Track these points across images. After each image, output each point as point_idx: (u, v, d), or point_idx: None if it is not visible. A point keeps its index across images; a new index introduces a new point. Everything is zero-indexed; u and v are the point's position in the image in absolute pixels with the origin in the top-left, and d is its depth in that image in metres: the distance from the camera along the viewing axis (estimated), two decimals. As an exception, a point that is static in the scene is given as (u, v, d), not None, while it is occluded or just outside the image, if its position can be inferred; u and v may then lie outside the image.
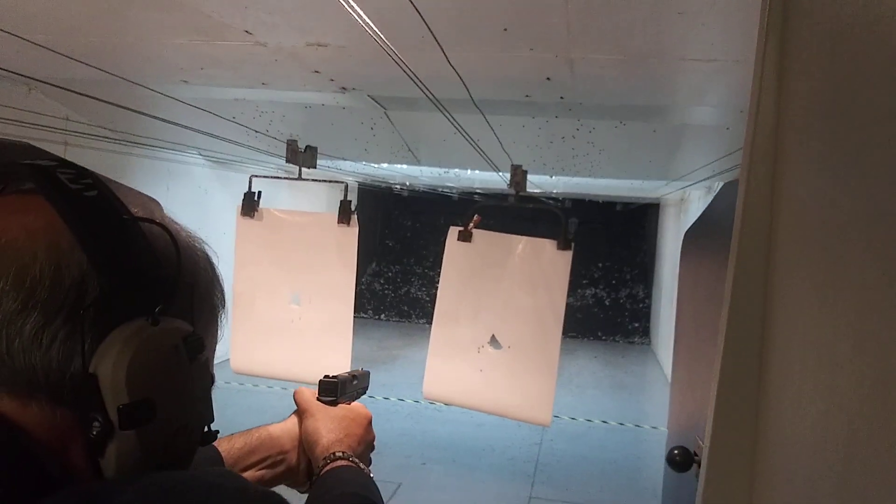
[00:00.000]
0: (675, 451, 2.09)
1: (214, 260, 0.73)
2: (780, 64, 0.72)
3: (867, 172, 0.59)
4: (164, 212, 0.72)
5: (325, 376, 1.23)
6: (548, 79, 3.34)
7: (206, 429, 0.68)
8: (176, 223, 0.70)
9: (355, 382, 1.28)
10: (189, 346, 0.63)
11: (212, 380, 0.69)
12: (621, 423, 7.50)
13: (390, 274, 14.26)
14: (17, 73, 3.32)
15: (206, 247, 0.73)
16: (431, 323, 3.88)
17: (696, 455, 2.10)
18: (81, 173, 0.61)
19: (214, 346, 0.73)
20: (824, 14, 0.68)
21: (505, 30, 2.60)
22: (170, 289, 0.62)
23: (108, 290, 0.58)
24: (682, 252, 3.34)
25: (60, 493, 0.54)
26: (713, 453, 0.77)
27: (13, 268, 0.57)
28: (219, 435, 0.70)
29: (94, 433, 0.57)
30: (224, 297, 0.74)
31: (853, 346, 0.59)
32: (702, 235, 2.89)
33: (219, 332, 0.74)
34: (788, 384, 0.70)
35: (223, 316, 0.74)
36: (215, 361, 0.74)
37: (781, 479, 0.73)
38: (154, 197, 0.73)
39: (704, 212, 3.20)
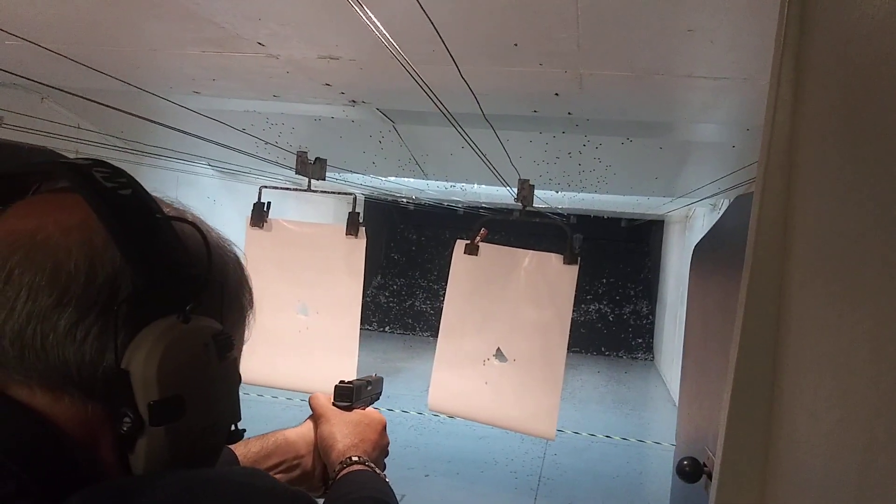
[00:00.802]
0: (685, 462, 2.09)
1: (244, 262, 0.75)
2: (795, 76, 0.73)
3: (883, 184, 0.61)
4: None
5: (341, 382, 1.24)
6: (556, 94, 3.36)
7: (232, 427, 0.68)
8: (207, 224, 0.71)
9: (369, 388, 1.29)
10: (219, 345, 0.64)
11: (239, 379, 0.69)
12: (624, 438, 7.48)
13: (395, 287, 14.27)
14: (32, 80, 3.36)
15: (235, 248, 0.75)
16: (435, 336, 3.89)
17: (705, 466, 2.11)
18: (116, 172, 0.63)
19: (242, 345, 0.75)
20: (840, 27, 0.70)
21: (515, 45, 2.62)
22: (200, 287, 0.63)
23: (140, 287, 0.59)
24: (691, 266, 3.35)
25: (91, 487, 0.54)
26: (725, 464, 0.78)
27: (48, 264, 0.58)
28: (245, 434, 0.71)
29: (125, 429, 0.58)
30: (252, 298, 0.76)
31: (870, 354, 0.60)
32: (712, 249, 2.91)
33: (247, 332, 0.76)
34: (802, 394, 0.71)
35: (252, 317, 0.76)
36: None
37: (795, 489, 0.73)
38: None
39: (714, 226, 3.22)
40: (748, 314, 0.76)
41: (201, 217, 0.72)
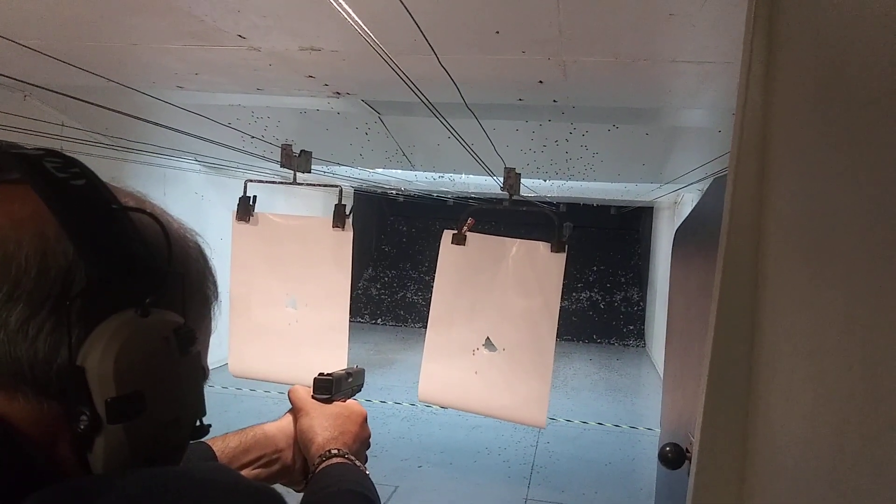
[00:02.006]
0: (668, 448, 2.09)
1: (207, 251, 0.72)
2: (767, 59, 0.73)
3: (855, 165, 0.60)
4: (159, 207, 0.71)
5: (320, 374, 1.22)
6: (540, 82, 3.35)
7: (197, 423, 0.66)
8: (168, 214, 0.69)
9: (350, 380, 1.27)
10: (180, 339, 0.62)
11: (204, 373, 0.67)
12: (616, 425, 7.51)
13: (386, 279, 14.27)
14: (13, 78, 3.32)
15: (198, 238, 0.71)
16: (427, 327, 3.89)
17: (688, 452, 2.11)
18: (69, 162, 0.60)
19: (208, 338, 0.72)
20: (811, 10, 0.69)
21: (497, 32, 2.61)
22: (160, 279, 0.61)
23: (95, 281, 0.57)
24: (673, 249, 3.36)
25: (47, 489, 0.53)
26: (703, 448, 0.77)
27: None
28: (211, 429, 0.69)
29: (82, 427, 0.56)
30: (217, 289, 0.73)
31: (841, 335, 0.60)
32: (692, 232, 2.91)
33: (212, 324, 0.73)
34: (778, 375, 0.71)
35: (217, 308, 0.73)
36: (215, 366, 0.72)
37: (772, 470, 0.73)
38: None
39: (694, 209, 3.22)
40: (724, 297, 0.76)
41: (164, 208, 0.70)
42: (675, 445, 2.10)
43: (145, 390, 0.59)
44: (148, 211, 0.63)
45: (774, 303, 0.72)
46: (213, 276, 0.73)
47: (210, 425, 0.68)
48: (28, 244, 0.56)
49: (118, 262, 0.59)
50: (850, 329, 0.59)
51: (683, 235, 3.16)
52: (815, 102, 0.71)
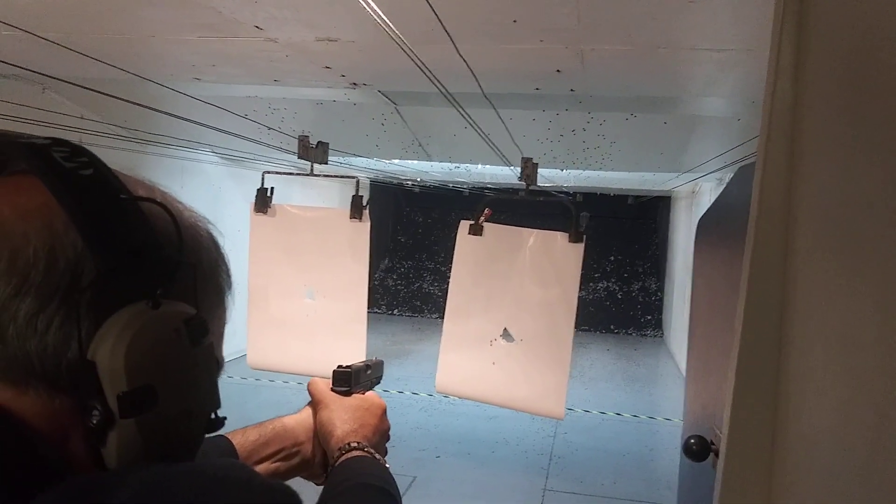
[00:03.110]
0: (692, 441, 2.08)
1: (220, 240, 0.70)
2: (797, 42, 0.71)
3: (888, 153, 0.59)
4: (182, 203, 0.69)
5: (339, 366, 1.21)
6: (558, 71, 3.33)
7: (212, 415, 0.64)
8: (179, 203, 0.67)
9: (369, 372, 1.26)
10: (191, 330, 0.60)
11: (218, 364, 0.65)
12: (635, 416, 7.49)
13: (403, 269, 14.29)
14: (32, 71, 3.34)
15: (210, 227, 0.70)
16: (443, 318, 3.89)
17: (712, 444, 2.09)
18: (77, 151, 0.59)
19: (222, 328, 0.71)
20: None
21: (514, 21, 2.59)
22: (171, 270, 0.59)
23: (105, 272, 0.56)
24: (696, 240, 3.32)
25: (59, 485, 0.52)
26: (732, 442, 0.76)
27: (5, 251, 0.54)
28: (226, 421, 0.68)
29: (94, 422, 0.55)
30: (230, 279, 0.71)
31: (878, 329, 0.58)
32: (716, 222, 2.88)
33: (226, 314, 0.71)
34: (810, 370, 0.70)
35: (231, 298, 0.71)
36: (234, 357, 0.70)
37: (802, 466, 0.72)
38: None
39: (718, 198, 3.19)
40: (752, 288, 0.74)
41: (177, 197, 0.68)
42: (699, 438, 2.08)
43: (157, 383, 0.57)
44: (158, 200, 0.61)
45: (805, 295, 0.71)
46: (227, 266, 0.71)
47: (225, 418, 0.66)
48: (36, 237, 0.55)
49: (128, 253, 0.57)
50: (887, 322, 0.58)
51: (707, 226, 3.13)
52: (846, 90, 0.69)
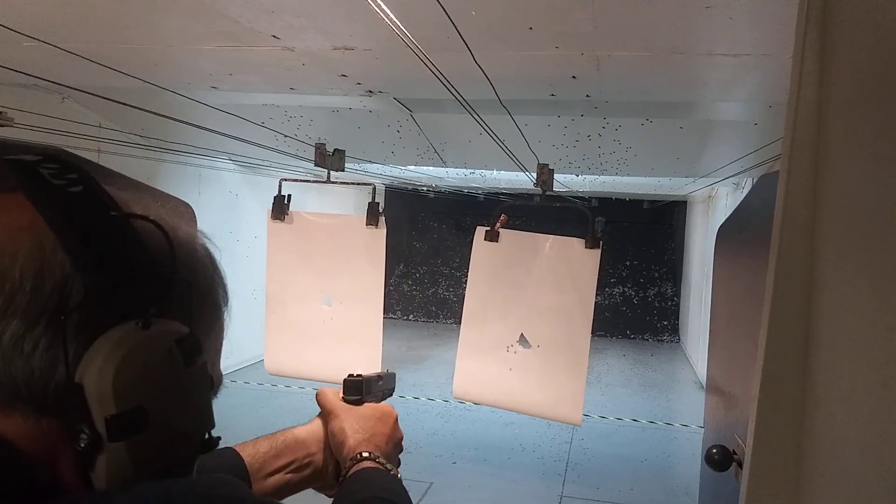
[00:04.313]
0: (714, 451, 2.06)
1: (216, 255, 0.69)
2: (821, 47, 0.70)
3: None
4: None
5: (350, 375, 1.19)
6: (573, 77, 3.32)
7: (205, 436, 0.63)
8: (177, 218, 0.66)
9: (381, 383, 1.24)
10: (185, 349, 0.59)
11: (213, 383, 0.64)
12: (651, 422, 7.45)
13: (418, 275, 14.30)
14: (52, 81, 3.38)
15: (207, 242, 0.69)
16: (459, 323, 3.88)
17: (734, 454, 2.08)
18: (67, 167, 0.57)
19: (220, 345, 0.70)
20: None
21: (530, 28, 2.59)
22: (164, 288, 0.58)
23: (94, 293, 0.55)
24: (716, 247, 3.30)
25: None
26: (756, 454, 0.75)
27: None
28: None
29: (82, 445, 0.54)
30: (227, 295, 0.70)
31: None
32: (737, 229, 2.86)
33: (224, 330, 0.70)
34: (837, 381, 0.69)
35: (228, 313, 0.70)
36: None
37: (830, 479, 0.71)
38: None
39: (739, 206, 3.17)
40: (777, 297, 0.73)
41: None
42: (721, 447, 2.07)
43: (147, 406, 0.56)
44: (151, 217, 0.60)
45: (832, 304, 0.70)
46: (224, 281, 0.70)
47: (219, 438, 0.65)
48: (23, 256, 0.55)
49: (118, 272, 0.56)
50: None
51: (728, 233, 3.11)
52: (872, 95, 0.69)
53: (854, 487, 0.66)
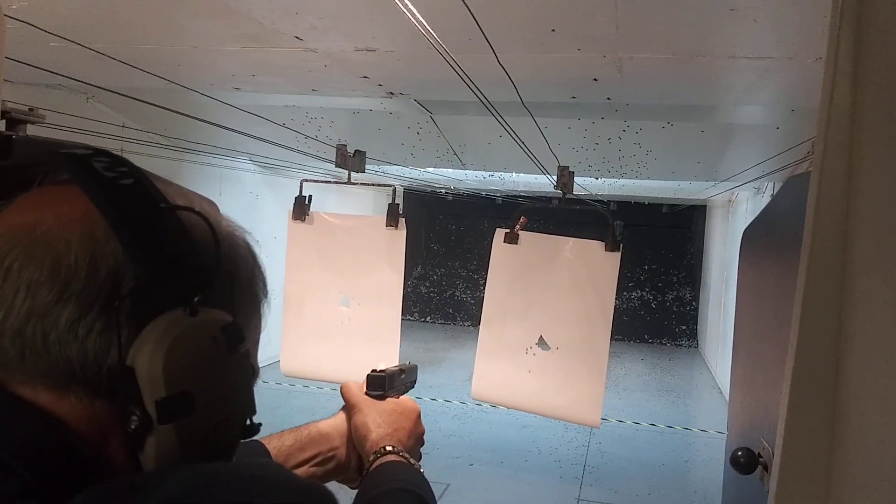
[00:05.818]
0: (739, 453, 2.05)
1: (256, 249, 0.72)
2: (855, 47, 0.70)
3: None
4: (220, 212, 0.70)
5: (373, 370, 1.21)
6: (595, 80, 3.32)
7: (247, 422, 0.66)
8: (217, 212, 0.68)
9: (403, 376, 1.26)
10: (228, 337, 0.61)
11: (254, 372, 0.67)
12: (669, 426, 7.40)
13: (436, 277, 14.31)
14: (77, 80, 3.42)
15: (248, 236, 0.71)
16: (476, 325, 3.89)
17: (760, 457, 2.07)
18: (117, 161, 0.59)
19: (258, 336, 0.72)
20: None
21: (553, 30, 2.59)
22: (208, 278, 0.60)
23: (144, 280, 0.57)
24: (741, 251, 3.28)
25: (97, 486, 0.53)
26: (786, 458, 0.75)
27: (48, 259, 0.56)
28: (261, 428, 0.68)
29: (133, 427, 0.56)
30: (266, 287, 0.72)
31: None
32: (763, 233, 2.83)
33: (262, 322, 0.73)
34: (871, 384, 0.68)
35: (266, 306, 0.72)
36: (267, 363, 0.71)
37: (862, 484, 0.70)
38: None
39: (766, 208, 3.14)
40: (808, 300, 0.73)
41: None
42: (746, 450, 2.05)
43: (195, 390, 0.58)
44: (196, 209, 0.62)
45: (864, 307, 0.70)
46: (263, 275, 0.72)
47: (261, 424, 0.67)
48: (77, 245, 0.57)
49: (166, 262, 0.58)
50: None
51: (753, 237, 3.09)
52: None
53: (888, 490, 0.65)
